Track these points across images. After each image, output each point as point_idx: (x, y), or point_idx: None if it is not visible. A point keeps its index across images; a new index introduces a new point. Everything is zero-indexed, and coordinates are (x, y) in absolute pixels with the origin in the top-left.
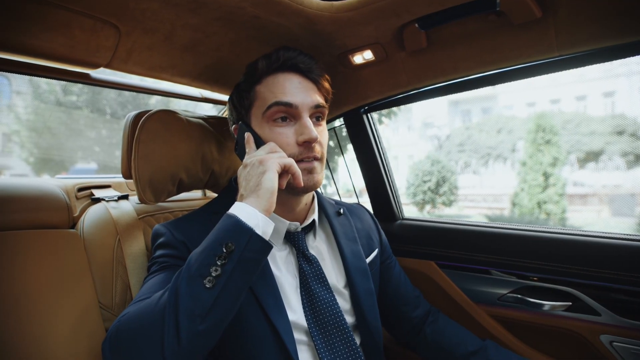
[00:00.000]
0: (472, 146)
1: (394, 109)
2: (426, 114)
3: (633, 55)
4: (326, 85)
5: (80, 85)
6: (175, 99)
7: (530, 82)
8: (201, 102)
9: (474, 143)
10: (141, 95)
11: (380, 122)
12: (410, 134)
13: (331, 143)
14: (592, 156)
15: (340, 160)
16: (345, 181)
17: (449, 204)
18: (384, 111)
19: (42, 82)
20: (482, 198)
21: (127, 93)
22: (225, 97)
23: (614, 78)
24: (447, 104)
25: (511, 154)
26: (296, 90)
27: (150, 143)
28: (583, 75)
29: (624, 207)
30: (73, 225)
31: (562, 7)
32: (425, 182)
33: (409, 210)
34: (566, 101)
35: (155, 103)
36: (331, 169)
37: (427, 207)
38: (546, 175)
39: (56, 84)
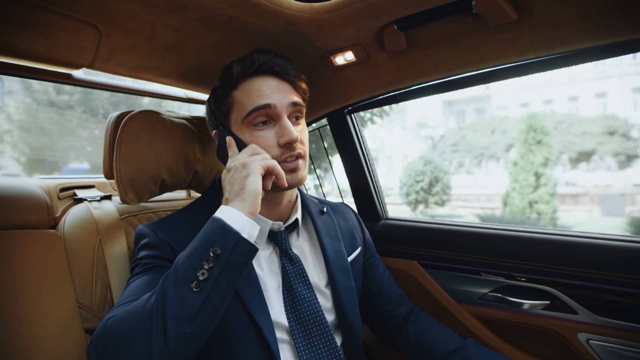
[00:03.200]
0: (466, 146)
1: (386, 108)
2: (420, 114)
3: (609, 57)
4: (303, 85)
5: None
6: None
7: (523, 82)
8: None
9: (468, 143)
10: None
11: (373, 122)
12: (405, 134)
13: (325, 143)
14: (583, 156)
15: (332, 160)
16: (340, 181)
17: (441, 203)
18: (376, 111)
19: (34, 82)
20: (475, 198)
21: (120, 93)
22: None
23: (606, 79)
24: (441, 104)
25: (504, 154)
26: (273, 91)
27: (132, 144)
28: (576, 76)
29: (615, 207)
30: (54, 225)
31: (536, 10)
32: (418, 182)
33: (402, 210)
34: (559, 102)
35: (148, 103)
36: (316, 169)
37: (420, 207)
38: (537, 175)
39: (48, 84)
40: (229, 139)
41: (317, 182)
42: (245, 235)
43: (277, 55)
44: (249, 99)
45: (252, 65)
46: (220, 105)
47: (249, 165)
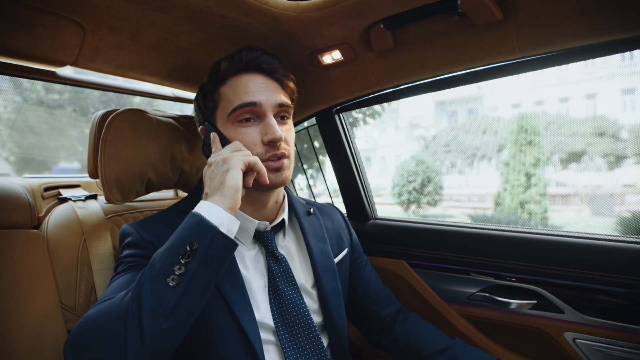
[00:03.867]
0: (458, 146)
1: (378, 109)
2: (413, 115)
3: (595, 57)
4: (291, 85)
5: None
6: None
7: (515, 83)
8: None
9: (460, 143)
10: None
11: (366, 122)
12: (397, 134)
13: (317, 144)
14: (573, 157)
15: (325, 160)
16: (331, 181)
17: (433, 203)
18: (368, 111)
19: (23, 80)
20: (467, 198)
21: (110, 92)
22: None
23: (596, 80)
24: (433, 104)
25: (495, 154)
26: (260, 89)
27: (117, 142)
28: (566, 78)
29: (604, 207)
30: (37, 225)
31: (522, 9)
32: (410, 182)
33: (395, 210)
34: (550, 103)
35: (139, 102)
36: (306, 170)
37: (412, 207)
38: (528, 176)
39: (37, 83)
40: (213, 134)
41: (308, 182)
42: (224, 230)
43: (266, 53)
44: (236, 95)
45: (240, 61)
46: (207, 101)
47: (229, 160)
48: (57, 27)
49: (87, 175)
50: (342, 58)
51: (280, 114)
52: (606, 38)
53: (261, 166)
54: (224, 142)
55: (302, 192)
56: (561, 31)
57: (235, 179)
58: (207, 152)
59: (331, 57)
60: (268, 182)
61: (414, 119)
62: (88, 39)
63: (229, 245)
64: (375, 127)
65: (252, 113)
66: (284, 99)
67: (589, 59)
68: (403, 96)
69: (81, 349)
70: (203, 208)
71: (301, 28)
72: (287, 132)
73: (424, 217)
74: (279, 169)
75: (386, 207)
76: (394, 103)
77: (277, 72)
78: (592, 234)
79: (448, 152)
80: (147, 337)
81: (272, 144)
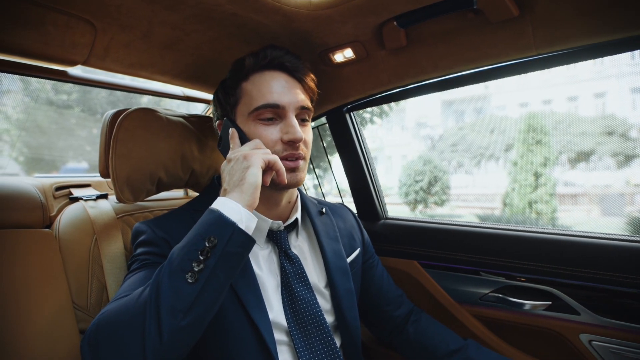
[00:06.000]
0: (465, 146)
1: (386, 108)
2: (420, 114)
3: (610, 54)
4: (312, 85)
5: (70, 84)
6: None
7: (522, 82)
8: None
9: (467, 143)
10: (133, 94)
11: (373, 122)
12: (404, 133)
13: (324, 143)
14: (582, 156)
15: (332, 160)
16: (339, 180)
17: (441, 203)
18: (376, 111)
19: (33, 80)
20: (474, 198)
21: (118, 92)
22: (207, 96)
23: (605, 79)
24: (440, 104)
25: (503, 154)
26: (283, 89)
27: (128, 142)
28: (575, 76)
29: (614, 206)
30: (49, 225)
31: (539, 6)
32: (417, 181)
33: (402, 210)
34: (558, 101)
35: (147, 102)
36: (315, 169)
37: (420, 207)
38: (537, 175)
39: (47, 83)
40: (232, 130)
41: (316, 182)
42: (242, 226)
43: (290, 53)
44: (259, 92)
45: (265, 58)
46: (228, 96)
47: (250, 157)
48: (68, 26)
49: (97, 174)
50: (354, 56)
51: (301, 116)
52: (624, 34)
53: (280, 165)
54: (243, 138)
55: (309, 192)
56: (579, 27)
57: (256, 176)
58: (224, 148)
59: (343, 55)
60: (286, 181)
61: (421, 118)
62: (99, 37)
63: (248, 241)
64: (381, 127)
65: (274, 113)
66: (306, 100)
67: (604, 56)
68: (415, 95)
69: (99, 346)
70: (221, 204)
71: (313, 26)
72: (306, 134)
73: (431, 217)
74: (294, 170)
75: (393, 207)
76: (401, 102)
77: (299, 72)
78: (608, 233)
79: (455, 152)
80: (165, 333)
81: (292, 143)
